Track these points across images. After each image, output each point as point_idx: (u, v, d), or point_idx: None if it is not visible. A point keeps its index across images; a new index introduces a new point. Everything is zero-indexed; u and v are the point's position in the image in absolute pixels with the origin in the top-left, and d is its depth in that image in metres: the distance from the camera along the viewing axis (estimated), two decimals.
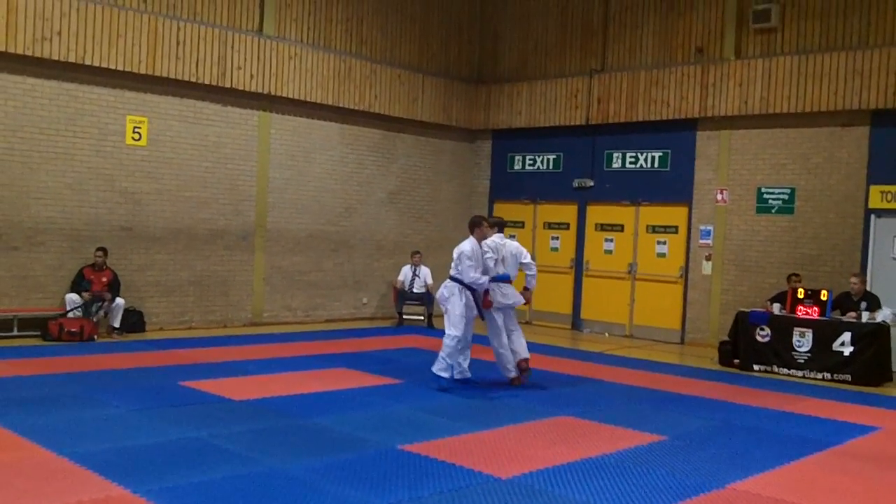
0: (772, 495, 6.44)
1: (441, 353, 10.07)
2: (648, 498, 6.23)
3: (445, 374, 10.02)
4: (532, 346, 14.10)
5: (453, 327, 10.09)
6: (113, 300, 12.88)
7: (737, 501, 6.25)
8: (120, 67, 13.21)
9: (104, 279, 12.91)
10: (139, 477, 6.05)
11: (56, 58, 12.56)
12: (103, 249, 12.99)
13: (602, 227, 17.09)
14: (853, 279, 12.71)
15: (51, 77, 12.76)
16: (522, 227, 18.37)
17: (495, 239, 10.64)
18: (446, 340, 10.07)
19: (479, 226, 10.34)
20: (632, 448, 7.67)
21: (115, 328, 12.98)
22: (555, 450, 7.47)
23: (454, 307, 10.13)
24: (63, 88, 12.90)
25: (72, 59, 12.71)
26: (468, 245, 10.19)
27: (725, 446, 7.96)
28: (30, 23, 12.27)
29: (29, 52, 12.30)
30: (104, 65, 13.04)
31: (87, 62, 12.87)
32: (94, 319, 12.66)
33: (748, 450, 7.87)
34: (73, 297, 12.68)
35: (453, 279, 10.24)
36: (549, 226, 17.92)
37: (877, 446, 8.35)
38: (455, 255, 10.30)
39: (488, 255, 10.36)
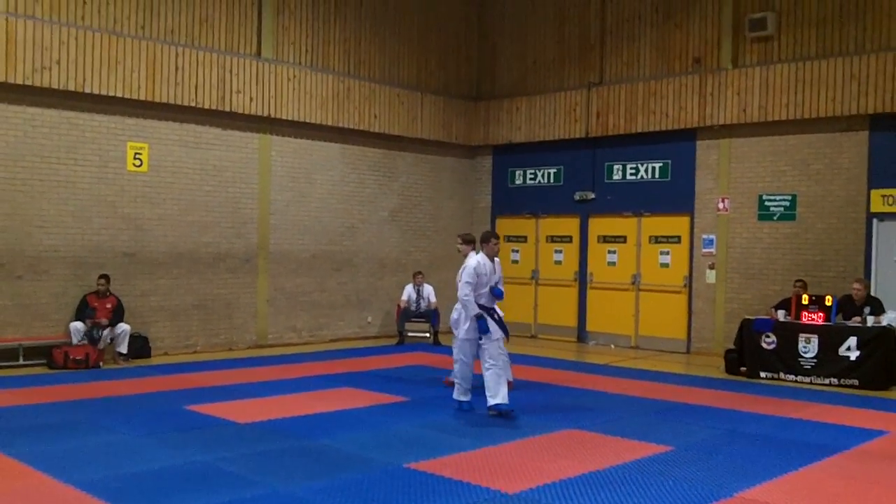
0: (781, 503, 6.40)
1: (455, 378, 10.03)
2: None
3: (464, 398, 9.89)
4: (537, 360, 14.15)
5: (460, 352, 9.86)
6: (115, 326, 12.89)
7: None
8: (119, 94, 13.27)
9: (108, 306, 12.93)
10: (145, 503, 6.04)
11: (56, 86, 12.63)
12: (105, 277, 13.01)
13: (605, 239, 17.08)
14: (856, 285, 12.69)
15: (51, 106, 12.83)
16: (525, 241, 18.39)
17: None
18: (456, 366, 9.97)
19: (486, 241, 9.94)
20: (638, 459, 7.64)
21: (122, 354, 12.99)
22: (561, 463, 7.45)
23: (461, 332, 9.80)
24: (63, 117, 12.96)
25: (71, 87, 12.78)
26: (474, 260, 9.79)
27: (733, 455, 7.93)
28: (29, 53, 12.34)
29: (29, 82, 12.37)
30: (104, 92, 13.11)
31: (87, 90, 12.94)
32: (101, 346, 12.67)
33: (756, 458, 7.83)
34: (77, 326, 12.69)
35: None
36: (552, 239, 17.92)
37: (885, 450, 8.31)
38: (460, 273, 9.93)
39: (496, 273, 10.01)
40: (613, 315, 16.88)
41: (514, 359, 14.29)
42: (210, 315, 14.69)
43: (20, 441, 7.82)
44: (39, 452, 7.42)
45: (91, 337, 12.57)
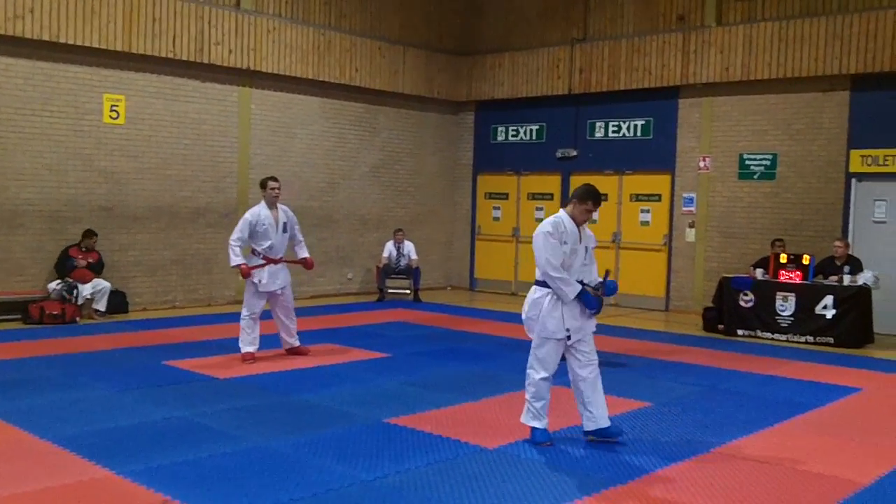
0: (756, 458, 6.47)
1: (526, 395, 6.89)
2: (635, 463, 6.25)
3: (536, 424, 6.79)
4: (517, 317, 14.10)
5: (537, 362, 6.75)
6: (90, 280, 12.79)
7: (722, 464, 6.29)
8: (95, 45, 13.03)
9: (90, 259, 12.86)
10: (123, 458, 6.02)
11: (29, 36, 12.37)
12: (91, 233, 12.89)
13: None
14: (837, 244, 12.77)
15: (25, 56, 12.59)
16: (506, 198, 18.36)
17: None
18: (528, 379, 6.85)
19: (573, 201, 6.86)
20: (617, 415, 7.67)
21: (100, 311, 12.90)
22: None
23: (543, 329, 6.69)
24: (38, 67, 12.74)
25: (46, 37, 12.53)
26: (551, 219, 6.80)
27: (710, 411, 8.00)
28: (1, 0, 12.08)
29: (1, 31, 12.11)
30: (79, 42, 12.87)
31: (62, 40, 12.69)
32: (79, 302, 12.57)
33: (733, 414, 7.91)
34: (52, 287, 12.57)
35: (539, 283, 6.78)
36: (533, 196, 17.89)
37: (859, 407, 8.41)
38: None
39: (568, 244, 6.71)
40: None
41: (497, 316, 14.38)
42: (189, 270, 14.61)
43: None
44: (16, 408, 7.38)
45: (63, 297, 12.42)
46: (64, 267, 12.69)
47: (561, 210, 6.91)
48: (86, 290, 12.75)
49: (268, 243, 9.83)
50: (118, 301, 13.36)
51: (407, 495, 5.44)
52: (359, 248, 17.26)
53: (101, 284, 12.90)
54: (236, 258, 9.70)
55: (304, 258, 10.27)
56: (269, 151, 15.62)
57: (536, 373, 6.73)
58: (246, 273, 9.72)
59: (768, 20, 14.53)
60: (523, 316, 6.87)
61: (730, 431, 7.26)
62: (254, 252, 9.89)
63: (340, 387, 8.61)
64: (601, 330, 13.17)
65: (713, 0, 15.18)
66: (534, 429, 6.78)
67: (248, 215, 9.86)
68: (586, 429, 6.84)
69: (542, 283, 6.71)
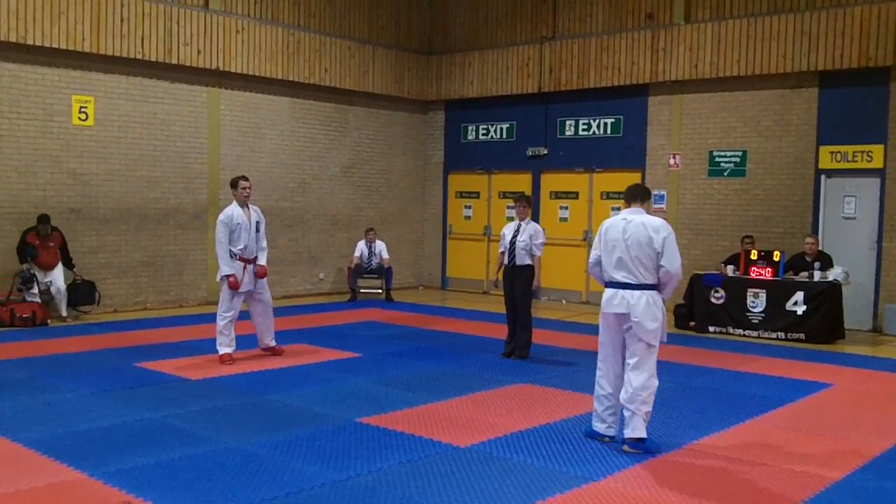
0: (727, 454, 6.52)
1: (646, 409, 6.50)
2: (607, 460, 6.28)
3: (644, 434, 6.54)
4: (489, 316, 14.19)
5: (655, 369, 6.61)
6: (55, 265, 12.63)
7: (693, 460, 6.33)
8: (63, 46, 12.91)
9: (51, 244, 12.62)
10: (95, 460, 5.98)
11: None
12: (44, 217, 12.64)
13: (557, 195, 17.12)
14: (808, 240, 12.89)
15: None
16: (477, 197, 18.38)
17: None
18: (646, 391, 6.50)
19: (646, 198, 7.07)
20: (589, 413, 7.68)
21: (64, 317, 12.72)
22: (513, 417, 7.50)
23: (664, 334, 6.66)
24: (5, 69, 12.60)
25: (13, 38, 12.39)
26: (663, 222, 6.69)
27: (682, 407, 8.05)
28: None
29: None
30: (47, 44, 12.74)
31: (29, 42, 12.56)
32: (35, 291, 12.34)
33: (704, 410, 7.97)
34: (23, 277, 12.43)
35: (647, 286, 6.57)
36: (504, 195, 17.91)
37: (830, 403, 8.49)
38: (658, 236, 6.54)
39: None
40: (565, 271, 16.96)
41: (469, 315, 14.39)
42: (159, 272, 14.51)
43: None
44: None
45: (27, 286, 12.22)
46: (24, 253, 12.45)
47: (640, 210, 6.86)
48: (48, 277, 12.53)
49: (242, 244, 9.73)
50: (86, 291, 13.13)
51: (379, 495, 5.44)
52: (329, 248, 17.22)
53: (57, 283, 12.67)
54: (227, 268, 9.62)
55: (260, 265, 9.97)
56: (239, 152, 15.55)
57: (655, 378, 6.58)
58: (234, 286, 9.63)
59: (736, 17, 14.64)
60: (652, 324, 6.43)
61: (703, 427, 7.31)
62: (230, 255, 9.78)
63: (312, 387, 8.59)
64: (576, 328, 13.30)
65: None
66: (647, 439, 6.52)
67: (222, 217, 9.70)
68: (604, 432, 6.84)
69: (653, 286, 6.55)
